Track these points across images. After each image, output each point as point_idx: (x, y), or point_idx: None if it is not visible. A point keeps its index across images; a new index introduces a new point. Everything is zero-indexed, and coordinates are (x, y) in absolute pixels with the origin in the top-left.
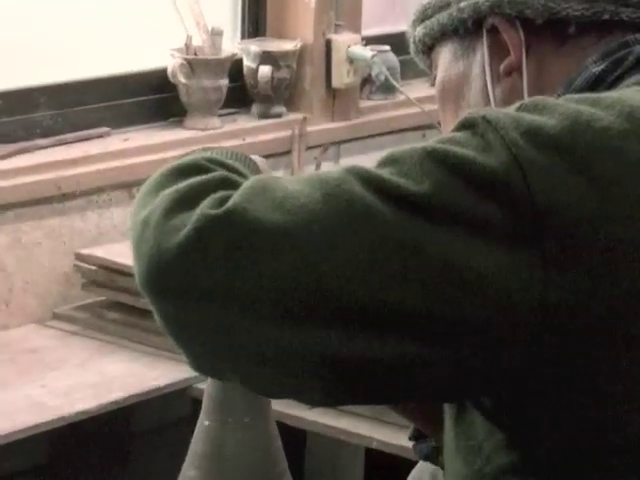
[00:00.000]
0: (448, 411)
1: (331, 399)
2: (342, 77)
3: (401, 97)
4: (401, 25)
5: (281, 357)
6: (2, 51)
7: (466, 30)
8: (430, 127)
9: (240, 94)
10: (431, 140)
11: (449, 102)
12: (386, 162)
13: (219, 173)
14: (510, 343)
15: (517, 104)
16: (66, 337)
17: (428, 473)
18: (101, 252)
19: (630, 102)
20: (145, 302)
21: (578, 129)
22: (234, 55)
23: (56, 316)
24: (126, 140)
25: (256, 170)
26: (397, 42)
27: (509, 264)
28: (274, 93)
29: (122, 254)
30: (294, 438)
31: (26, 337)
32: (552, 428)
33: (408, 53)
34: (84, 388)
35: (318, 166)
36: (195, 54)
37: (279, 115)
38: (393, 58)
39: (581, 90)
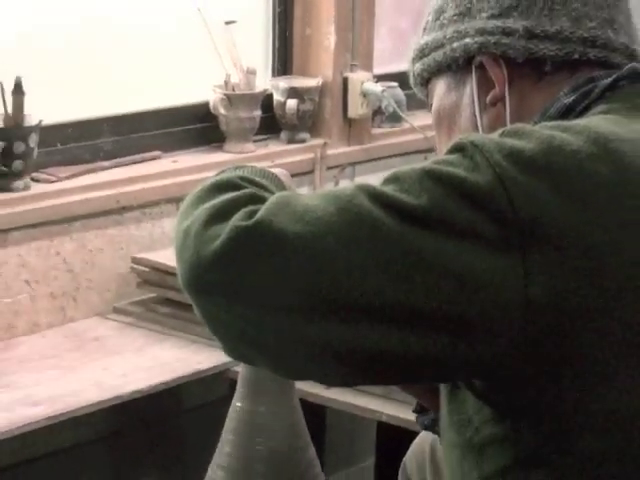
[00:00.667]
0: (443, 390)
1: (346, 381)
2: (357, 108)
3: (406, 125)
4: (406, 65)
5: (303, 346)
6: (72, 86)
7: (458, 67)
8: (431, 150)
9: (271, 123)
10: (428, 161)
11: (443, 127)
12: (390, 180)
13: (249, 190)
14: (499, 334)
15: (500, 130)
16: (124, 328)
17: (428, 442)
18: (153, 256)
19: (596, 129)
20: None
21: (552, 152)
22: (266, 90)
23: (115, 310)
24: (175, 162)
25: (280, 185)
26: (403, 79)
27: (495, 266)
28: (299, 122)
29: (171, 258)
30: (315, 414)
31: (90, 328)
32: (533, 405)
33: (412, 88)
34: (138, 371)
35: (336, 184)
36: (233, 90)
37: (303, 140)
38: (400, 92)
39: (554, 118)
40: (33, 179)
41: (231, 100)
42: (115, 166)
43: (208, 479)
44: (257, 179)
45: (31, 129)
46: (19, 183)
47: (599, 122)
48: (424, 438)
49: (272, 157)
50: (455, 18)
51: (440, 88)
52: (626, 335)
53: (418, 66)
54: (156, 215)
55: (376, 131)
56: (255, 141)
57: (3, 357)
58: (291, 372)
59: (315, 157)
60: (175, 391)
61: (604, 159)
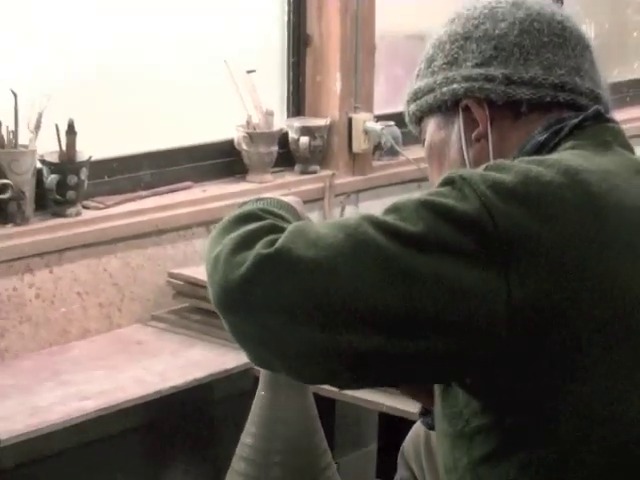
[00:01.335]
0: (437, 388)
1: (356, 384)
2: (360, 144)
3: (402, 158)
4: (401, 107)
5: (319, 354)
6: (116, 126)
7: (447, 108)
8: (424, 180)
9: (286, 157)
10: (423, 193)
11: (435, 159)
12: (390, 210)
13: (268, 222)
14: (488, 338)
15: (484, 166)
16: (161, 333)
17: (423, 430)
18: (187, 271)
19: (565, 162)
20: None
21: (529, 182)
22: (282, 129)
23: (154, 318)
24: (204, 191)
25: (294, 213)
26: (399, 119)
27: (482, 279)
28: (311, 156)
29: (201, 273)
30: (326, 405)
31: (133, 333)
32: (518, 400)
33: (407, 126)
34: (174, 369)
35: (343, 209)
36: (254, 129)
37: (314, 172)
38: (397, 130)
39: (530, 153)
40: (84, 206)
41: (252, 138)
42: (153, 195)
43: (231, 470)
44: (275, 210)
45: (82, 164)
46: (72, 210)
47: (568, 156)
48: (419, 426)
49: (287, 186)
50: (444, 66)
51: (431, 126)
52: (597, 331)
53: (412, 107)
54: (189, 236)
55: (376, 163)
56: (273, 172)
57: (58, 359)
58: (307, 377)
59: (325, 186)
60: (206, 386)
61: (573, 188)
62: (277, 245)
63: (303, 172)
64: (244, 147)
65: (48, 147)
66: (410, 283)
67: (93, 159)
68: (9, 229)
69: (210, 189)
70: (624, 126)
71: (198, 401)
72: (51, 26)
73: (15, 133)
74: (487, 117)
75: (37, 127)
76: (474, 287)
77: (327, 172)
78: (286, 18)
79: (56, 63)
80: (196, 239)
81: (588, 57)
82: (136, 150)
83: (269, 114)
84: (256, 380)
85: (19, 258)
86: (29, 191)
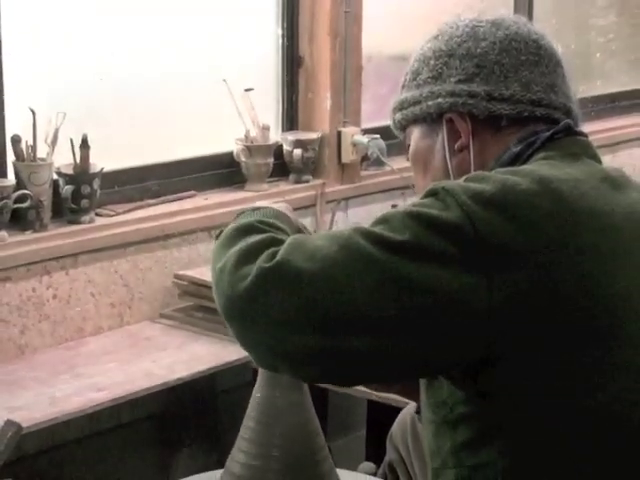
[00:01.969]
0: (422, 380)
1: (352, 382)
2: (348, 155)
3: (388, 168)
4: (386, 122)
5: (318, 356)
6: (126, 140)
7: (432, 119)
8: (407, 188)
9: (281, 168)
10: (409, 204)
11: (420, 165)
12: (379, 222)
13: (268, 235)
14: (472, 335)
15: (464, 177)
16: (168, 329)
17: (410, 416)
18: (191, 273)
19: (538, 172)
20: None
21: (507, 191)
22: (277, 142)
23: (162, 315)
24: (206, 199)
25: (288, 220)
26: (385, 132)
27: (465, 282)
28: (304, 167)
29: (205, 274)
30: (320, 394)
31: (142, 329)
32: (499, 389)
33: (392, 138)
34: (180, 363)
35: (333, 215)
36: (251, 142)
37: (307, 181)
38: (382, 143)
39: (505, 164)
40: (97, 214)
41: (250, 150)
42: (160, 203)
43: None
44: (271, 221)
45: (95, 175)
46: (86, 217)
47: (541, 167)
48: (406, 413)
49: (282, 194)
50: (429, 80)
51: (416, 134)
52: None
53: (398, 115)
54: (193, 241)
55: (364, 173)
56: (269, 182)
57: (74, 353)
58: (307, 376)
59: (316, 194)
60: (209, 378)
61: (546, 196)
62: (277, 258)
63: (297, 181)
64: (243, 159)
65: (64, 160)
66: (400, 287)
67: (105, 170)
68: (28, 235)
69: (212, 197)
70: (590, 137)
71: (202, 391)
72: (64, 53)
73: (34, 148)
74: (469, 130)
75: (54, 142)
76: (458, 289)
77: (319, 181)
78: (280, 41)
79: (70, 84)
80: (200, 243)
81: (560, 72)
82: (144, 162)
83: (265, 128)
84: (255, 372)
85: (38, 262)
86: (47, 200)
